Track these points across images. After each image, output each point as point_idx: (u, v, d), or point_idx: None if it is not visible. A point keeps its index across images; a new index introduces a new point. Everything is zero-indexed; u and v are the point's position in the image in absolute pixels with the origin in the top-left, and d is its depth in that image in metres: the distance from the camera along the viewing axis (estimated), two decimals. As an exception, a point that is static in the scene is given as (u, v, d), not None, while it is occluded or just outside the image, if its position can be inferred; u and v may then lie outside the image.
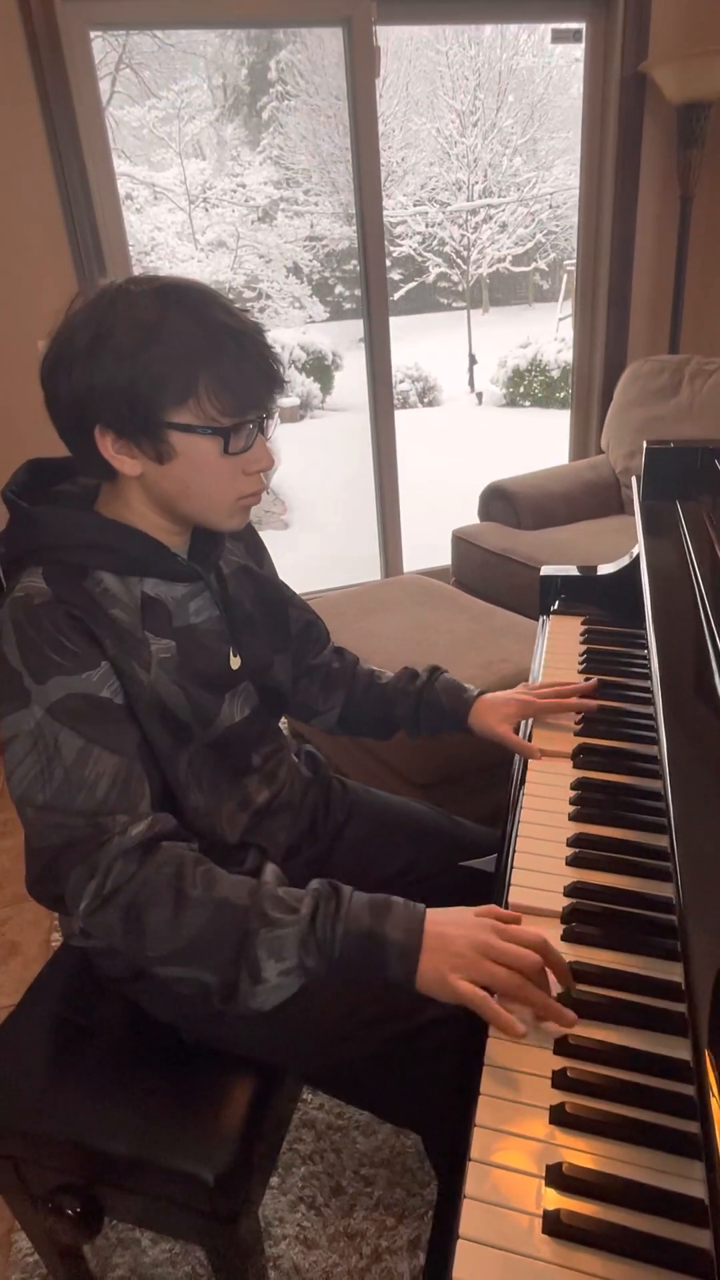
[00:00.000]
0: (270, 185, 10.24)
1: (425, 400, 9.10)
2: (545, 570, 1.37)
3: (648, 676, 1.11)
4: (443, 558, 2.94)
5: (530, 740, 1.01)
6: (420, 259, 12.09)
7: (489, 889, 0.84)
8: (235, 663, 0.87)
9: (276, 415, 0.80)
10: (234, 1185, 0.80)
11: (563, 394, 8.19)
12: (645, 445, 1.25)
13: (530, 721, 1.05)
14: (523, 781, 0.93)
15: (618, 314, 2.85)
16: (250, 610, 0.91)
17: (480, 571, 2.48)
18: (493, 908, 0.73)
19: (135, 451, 0.75)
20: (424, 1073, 0.80)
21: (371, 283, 2.62)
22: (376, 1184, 1.19)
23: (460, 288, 13.82)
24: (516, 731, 1.03)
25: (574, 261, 2.93)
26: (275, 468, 0.80)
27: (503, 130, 11.10)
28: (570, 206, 11.92)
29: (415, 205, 11.61)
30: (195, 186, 10.11)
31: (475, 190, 11.60)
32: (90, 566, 0.77)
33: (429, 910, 0.71)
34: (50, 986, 0.98)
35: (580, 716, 1.03)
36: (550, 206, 11.69)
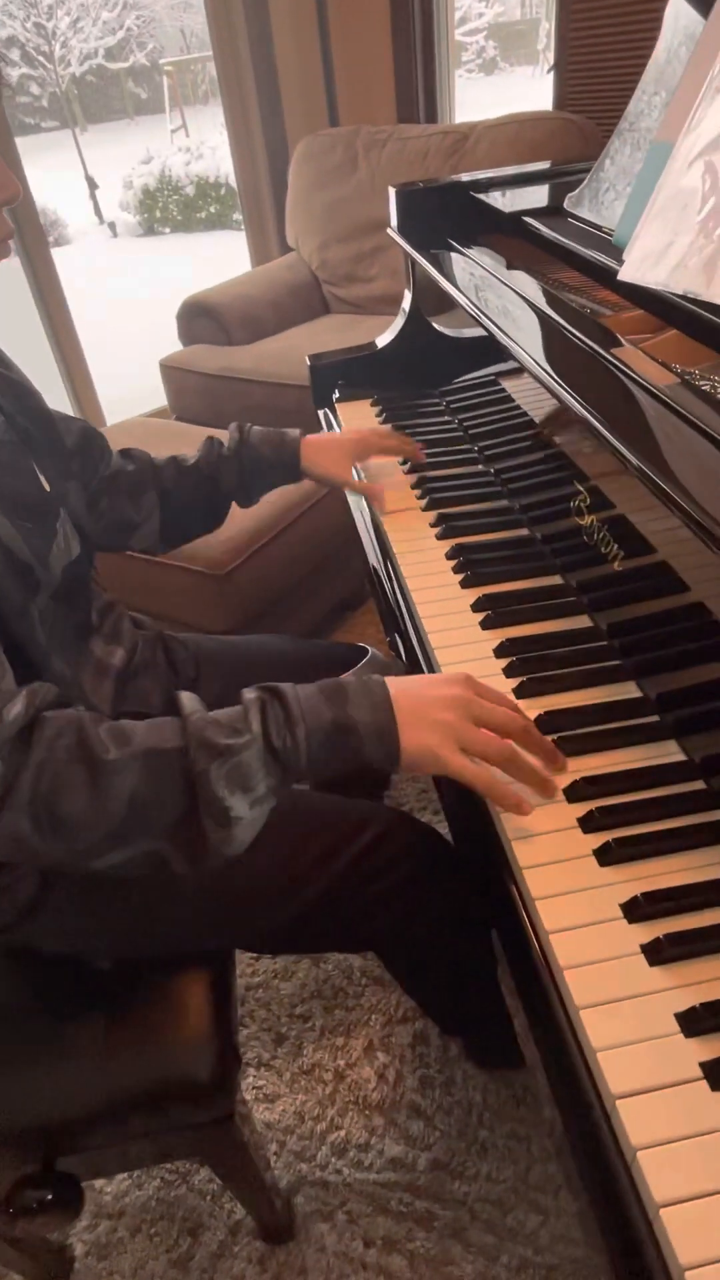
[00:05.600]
0: None
1: (51, 238, 7.91)
2: (313, 360, 1.24)
3: (462, 440, 1.06)
4: (145, 403, 2.63)
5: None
6: (-9, 58, 10.04)
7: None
8: (46, 484, 0.66)
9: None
10: (223, 1086, 0.70)
11: (204, 214, 7.55)
12: (392, 190, 1.13)
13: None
14: (390, 562, 0.85)
15: (269, 97, 2.56)
16: (24, 424, 0.69)
17: (202, 400, 2.25)
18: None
19: None
20: (377, 890, 0.75)
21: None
22: (314, 1017, 1.18)
23: (44, 102, 11.78)
24: None
25: (171, 60, 2.55)
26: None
27: None
28: (152, -11, 10.45)
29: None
30: None
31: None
32: None
33: (387, 680, 0.60)
34: None
35: (421, 490, 0.96)
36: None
